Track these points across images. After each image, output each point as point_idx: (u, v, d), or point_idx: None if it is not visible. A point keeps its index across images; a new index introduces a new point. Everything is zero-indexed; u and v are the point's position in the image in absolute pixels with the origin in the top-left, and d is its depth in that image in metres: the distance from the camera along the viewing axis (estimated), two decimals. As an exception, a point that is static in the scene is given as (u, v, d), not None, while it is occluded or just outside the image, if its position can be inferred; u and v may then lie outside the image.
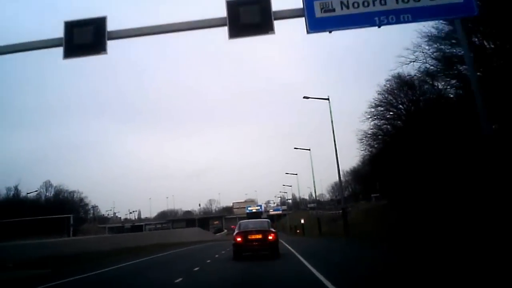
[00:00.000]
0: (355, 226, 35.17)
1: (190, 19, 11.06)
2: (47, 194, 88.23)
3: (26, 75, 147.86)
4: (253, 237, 17.27)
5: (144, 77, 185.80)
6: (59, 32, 10.76)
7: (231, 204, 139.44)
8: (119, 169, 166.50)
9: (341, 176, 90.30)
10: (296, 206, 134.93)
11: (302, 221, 61.43)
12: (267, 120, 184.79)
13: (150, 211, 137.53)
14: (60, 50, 10.70)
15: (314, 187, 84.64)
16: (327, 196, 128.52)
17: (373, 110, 34.28)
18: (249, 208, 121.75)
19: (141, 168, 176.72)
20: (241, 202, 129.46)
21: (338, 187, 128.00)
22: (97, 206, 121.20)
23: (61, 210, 62.80)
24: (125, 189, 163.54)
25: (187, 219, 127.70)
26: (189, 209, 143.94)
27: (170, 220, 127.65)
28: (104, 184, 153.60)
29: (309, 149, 50.85)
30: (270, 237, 17.29)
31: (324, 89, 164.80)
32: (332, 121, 31.64)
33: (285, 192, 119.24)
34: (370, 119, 34.75)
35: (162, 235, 51.58)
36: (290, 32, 19.39)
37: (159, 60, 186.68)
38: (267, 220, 21.39)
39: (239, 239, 17.29)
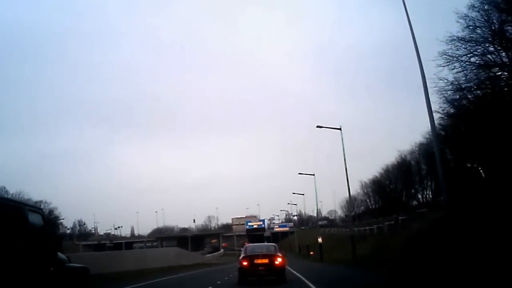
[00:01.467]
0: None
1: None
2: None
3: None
4: (260, 261, 17.14)
5: (141, 84, 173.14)
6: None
7: (231, 221, 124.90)
8: (109, 181, 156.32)
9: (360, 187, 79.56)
10: (303, 223, 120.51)
11: (320, 239, 46.62)
12: (272, 134, 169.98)
13: (138, 227, 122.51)
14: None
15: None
16: (339, 213, 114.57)
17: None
18: (249, 224, 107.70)
19: (133, 181, 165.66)
20: (241, 217, 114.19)
21: (349, 203, 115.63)
22: (82, 220, 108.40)
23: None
24: (116, 204, 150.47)
25: (179, 237, 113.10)
26: (186, 226, 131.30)
27: (159, 237, 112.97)
28: (91, 197, 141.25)
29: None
30: (277, 262, 17.09)
31: (335, 101, 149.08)
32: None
33: (292, 207, 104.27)
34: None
35: (117, 257, 35.67)
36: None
37: (156, 67, 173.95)
38: (274, 244, 22.13)
39: (245, 263, 17.19)
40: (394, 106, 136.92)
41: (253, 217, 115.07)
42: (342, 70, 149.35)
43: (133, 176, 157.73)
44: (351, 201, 39.08)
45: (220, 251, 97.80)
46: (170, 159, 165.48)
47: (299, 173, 52.64)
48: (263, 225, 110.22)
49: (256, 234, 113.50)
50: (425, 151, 60.18)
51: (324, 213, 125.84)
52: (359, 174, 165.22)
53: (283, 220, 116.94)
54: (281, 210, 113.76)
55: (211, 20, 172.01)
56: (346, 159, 31.24)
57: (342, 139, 32.44)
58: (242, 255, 17.93)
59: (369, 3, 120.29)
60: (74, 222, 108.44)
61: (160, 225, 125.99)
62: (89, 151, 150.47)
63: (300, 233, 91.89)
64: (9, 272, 6.06)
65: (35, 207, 7.96)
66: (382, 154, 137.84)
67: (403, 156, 66.08)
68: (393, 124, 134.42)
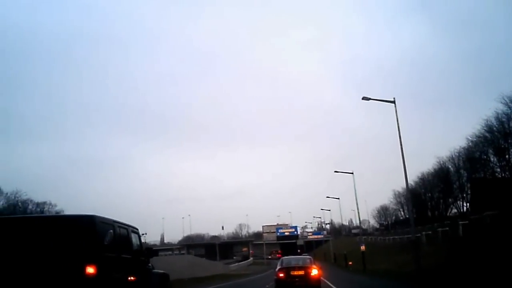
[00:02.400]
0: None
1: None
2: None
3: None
4: (296, 273, 17.62)
5: (175, 94, 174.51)
6: None
7: (261, 229, 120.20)
8: (139, 189, 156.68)
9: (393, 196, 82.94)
10: (336, 232, 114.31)
11: (363, 247, 41.09)
12: (304, 142, 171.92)
13: (165, 235, 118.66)
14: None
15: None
16: (371, 222, 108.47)
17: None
18: (280, 231, 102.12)
19: (164, 189, 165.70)
20: (272, 225, 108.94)
21: (384, 212, 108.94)
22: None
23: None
24: (146, 212, 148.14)
25: (207, 245, 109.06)
26: (217, 234, 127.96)
27: (186, 245, 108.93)
28: (124, 204, 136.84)
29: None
30: (312, 274, 17.59)
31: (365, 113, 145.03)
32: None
33: (325, 214, 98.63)
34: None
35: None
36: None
37: (191, 78, 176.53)
38: (309, 257, 22.23)
39: (281, 274, 17.72)
40: (429, 114, 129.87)
41: (285, 225, 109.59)
42: (371, 81, 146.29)
43: (164, 185, 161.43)
44: (407, 191, 31.50)
45: (249, 260, 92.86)
46: (203, 169, 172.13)
47: (335, 171, 48.79)
48: (295, 232, 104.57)
49: (288, 243, 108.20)
50: (466, 156, 54.88)
51: (356, 222, 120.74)
52: (392, 184, 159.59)
53: (316, 229, 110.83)
54: (314, 217, 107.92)
55: (244, 33, 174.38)
56: (401, 134, 24.88)
57: (396, 112, 25.71)
58: (278, 267, 18.57)
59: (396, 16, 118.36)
60: None
61: (188, 232, 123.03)
62: (123, 160, 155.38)
63: (335, 241, 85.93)
64: (141, 276, 8.81)
65: (135, 228, 9.38)
66: (417, 162, 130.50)
67: (441, 162, 61.97)
68: (427, 132, 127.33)
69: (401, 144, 25.04)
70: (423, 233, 41.24)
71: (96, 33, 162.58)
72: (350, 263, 49.70)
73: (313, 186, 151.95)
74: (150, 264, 10.14)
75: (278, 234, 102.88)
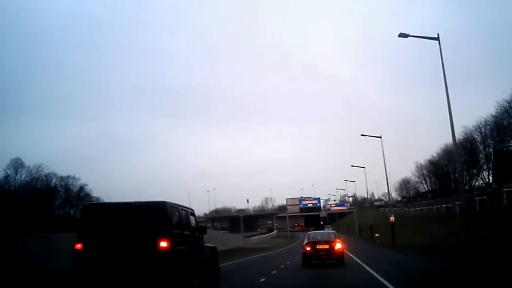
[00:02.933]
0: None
1: None
2: (16, 177, 71.66)
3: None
4: (321, 247, 19.27)
5: (196, 74, 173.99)
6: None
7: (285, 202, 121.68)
8: (171, 165, 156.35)
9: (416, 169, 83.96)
10: (360, 205, 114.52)
11: (392, 218, 38.28)
12: (327, 121, 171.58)
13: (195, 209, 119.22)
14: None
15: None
16: (392, 195, 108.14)
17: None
18: (302, 203, 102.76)
19: (195, 165, 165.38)
20: (295, 198, 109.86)
21: (405, 185, 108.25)
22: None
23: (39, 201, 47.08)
24: (172, 186, 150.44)
25: (231, 218, 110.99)
26: (243, 208, 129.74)
27: (210, 218, 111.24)
28: (158, 179, 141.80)
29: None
30: (336, 248, 19.22)
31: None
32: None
33: (348, 186, 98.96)
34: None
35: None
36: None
37: (215, 59, 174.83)
38: (333, 232, 24.43)
39: (308, 248, 19.40)
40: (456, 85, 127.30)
41: (308, 198, 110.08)
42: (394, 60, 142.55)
43: (191, 161, 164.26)
44: (455, 146, 26.88)
45: (273, 232, 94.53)
46: (230, 145, 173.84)
47: (362, 135, 44.21)
48: (318, 204, 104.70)
49: (311, 215, 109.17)
50: (495, 124, 53.62)
51: (379, 195, 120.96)
52: (415, 155, 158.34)
53: (338, 201, 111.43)
54: (337, 189, 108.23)
55: (265, 14, 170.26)
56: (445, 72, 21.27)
57: (441, 49, 22.00)
58: (305, 241, 20.12)
59: None
60: None
61: (213, 206, 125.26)
62: (150, 138, 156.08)
63: (359, 213, 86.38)
64: (197, 249, 10.80)
65: (192, 209, 11.39)
66: (441, 133, 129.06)
67: (467, 132, 60.63)
68: (455, 102, 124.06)
69: (446, 88, 21.75)
70: (457, 203, 39.84)
71: (117, 13, 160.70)
72: (377, 235, 49.10)
73: (337, 159, 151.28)
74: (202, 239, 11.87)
75: (301, 206, 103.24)
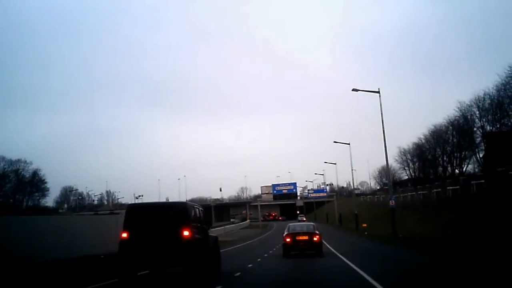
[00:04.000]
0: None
1: None
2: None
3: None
4: (300, 238, 20.27)
5: (175, 62, 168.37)
6: None
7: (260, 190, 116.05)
8: (143, 155, 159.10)
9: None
10: (337, 193, 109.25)
11: (392, 202, 29.66)
12: (305, 111, 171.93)
13: (159, 195, 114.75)
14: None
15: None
16: (370, 184, 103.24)
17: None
18: (276, 188, 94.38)
19: (170, 155, 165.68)
20: (270, 186, 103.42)
21: (386, 172, 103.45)
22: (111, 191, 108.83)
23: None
24: (150, 176, 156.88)
25: (202, 207, 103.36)
26: (218, 198, 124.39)
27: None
28: (128, 168, 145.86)
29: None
30: (315, 239, 20.11)
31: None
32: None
33: (326, 173, 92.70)
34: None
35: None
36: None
37: (188, 44, 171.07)
38: (312, 223, 25.58)
39: (288, 239, 20.35)
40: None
41: (282, 183, 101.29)
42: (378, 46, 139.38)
43: (167, 152, 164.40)
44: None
45: (245, 222, 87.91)
46: (206, 136, 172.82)
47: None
48: (294, 190, 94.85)
49: (287, 204, 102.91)
50: (496, 99, 47.54)
51: (357, 183, 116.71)
52: (398, 141, 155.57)
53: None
54: (315, 173, 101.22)
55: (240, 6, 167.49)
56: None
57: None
58: (285, 233, 20.97)
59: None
60: (101, 193, 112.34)
61: (184, 195, 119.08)
62: (125, 127, 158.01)
63: (339, 202, 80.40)
64: (206, 237, 13.30)
65: (201, 207, 14.26)
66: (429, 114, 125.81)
67: (462, 108, 53.32)
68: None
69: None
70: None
71: (102, 4, 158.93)
72: (365, 225, 42.35)
73: (314, 151, 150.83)
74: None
75: (275, 192, 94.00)
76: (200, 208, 13.76)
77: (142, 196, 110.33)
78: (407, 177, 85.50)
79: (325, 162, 66.57)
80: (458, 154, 58.51)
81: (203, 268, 11.87)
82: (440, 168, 65.42)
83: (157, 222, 11.50)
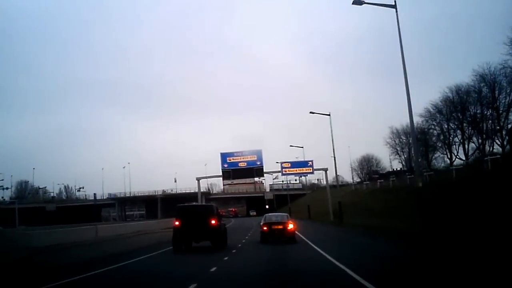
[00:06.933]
0: None
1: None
2: None
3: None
4: (276, 227, 22.89)
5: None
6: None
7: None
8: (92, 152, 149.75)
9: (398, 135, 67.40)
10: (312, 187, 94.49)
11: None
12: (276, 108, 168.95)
13: (102, 190, 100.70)
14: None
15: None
16: (344, 178, 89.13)
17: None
18: (228, 159, 47.78)
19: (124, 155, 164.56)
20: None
21: (366, 162, 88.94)
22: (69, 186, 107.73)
23: None
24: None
25: (148, 200, 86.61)
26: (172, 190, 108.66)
27: (117, 199, 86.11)
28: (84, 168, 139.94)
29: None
30: (289, 228, 22.79)
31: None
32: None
33: (301, 147, 76.39)
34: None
35: None
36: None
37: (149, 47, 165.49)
38: (286, 214, 27.36)
39: (265, 228, 23.01)
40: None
41: (237, 152, 53.36)
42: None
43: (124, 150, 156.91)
44: None
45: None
46: (173, 135, 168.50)
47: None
48: (260, 164, 52.69)
49: (254, 198, 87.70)
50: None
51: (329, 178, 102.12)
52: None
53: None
54: (291, 146, 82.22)
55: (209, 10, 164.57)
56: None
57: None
58: (262, 222, 23.97)
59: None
60: (60, 188, 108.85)
61: (128, 187, 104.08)
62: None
63: (312, 195, 65.06)
64: (221, 225, 21.80)
65: (216, 206, 23.15)
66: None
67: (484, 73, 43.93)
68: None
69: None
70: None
71: (80, 6, 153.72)
72: None
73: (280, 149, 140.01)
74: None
75: (226, 166, 51.79)
76: (217, 206, 23.01)
77: (83, 187, 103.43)
78: (395, 169, 71.79)
79: (291, 146, 62.78)
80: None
81: (221, 242, 20.35)
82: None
83: (196, 215, 19.85)
